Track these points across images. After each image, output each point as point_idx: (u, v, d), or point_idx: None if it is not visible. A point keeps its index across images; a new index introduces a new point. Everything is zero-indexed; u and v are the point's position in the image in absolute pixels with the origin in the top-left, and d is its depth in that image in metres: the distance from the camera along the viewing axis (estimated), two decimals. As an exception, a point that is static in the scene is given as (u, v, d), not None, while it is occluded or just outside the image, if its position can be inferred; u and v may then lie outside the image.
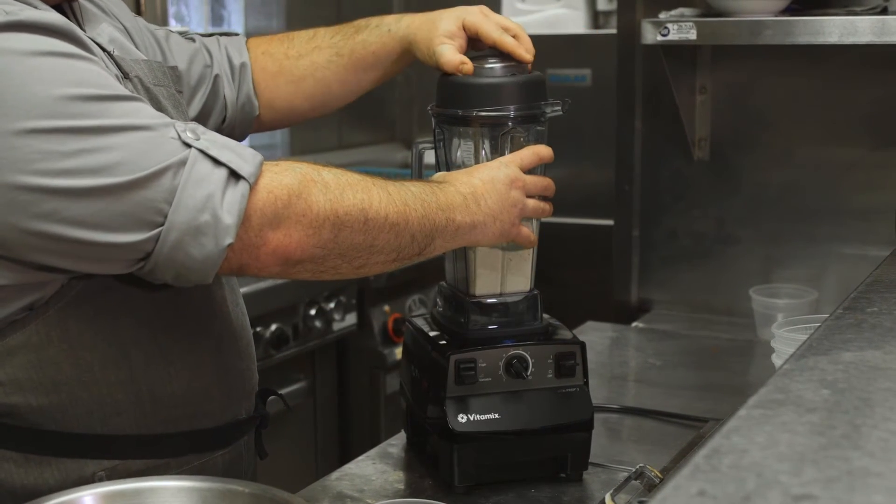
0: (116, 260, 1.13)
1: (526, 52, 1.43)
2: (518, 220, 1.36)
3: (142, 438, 1.25)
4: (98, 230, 1.09)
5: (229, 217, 1.11)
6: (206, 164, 1.12)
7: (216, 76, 1.55)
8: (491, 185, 1.33)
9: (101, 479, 1.22)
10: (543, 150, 1.40)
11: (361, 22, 1.60)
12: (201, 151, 1.12)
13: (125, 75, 1.26)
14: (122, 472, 1.24)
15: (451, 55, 1.43)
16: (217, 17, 3.66)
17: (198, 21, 3.53)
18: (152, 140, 1.11)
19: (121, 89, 1.14)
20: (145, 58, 1.36)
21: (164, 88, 1.35)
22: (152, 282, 1.18)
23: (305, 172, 1.18)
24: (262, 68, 1.60)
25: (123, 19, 1.41)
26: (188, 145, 1.12)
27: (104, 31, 1.30)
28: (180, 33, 1.56)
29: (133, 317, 1.23)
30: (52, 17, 1.13)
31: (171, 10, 3.42)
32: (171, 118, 1.18)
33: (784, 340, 1.56)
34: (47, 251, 1.11)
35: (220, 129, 1.55)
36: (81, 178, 1.07)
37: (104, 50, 1.25)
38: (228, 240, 1.12)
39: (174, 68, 1.43)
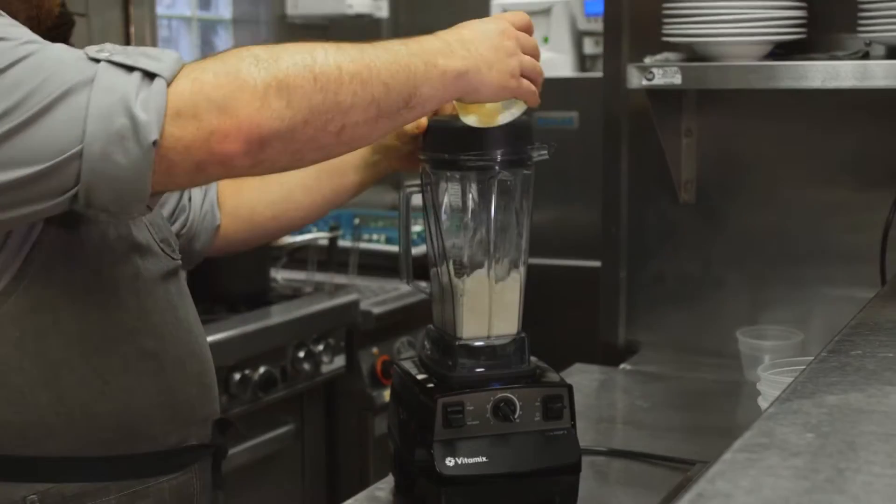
0: (47, 195, 1.10)
1: None
2: (517, 73, 1.28)
3: (76, 461, 1.24)
4: (20, 167, 1.07)
5: (145, 114, 1.07)
6: (116, 72, 1.09)
7: None
8: (481, 33, 1.26)
9: (32, 503, 1.21)
10: (530, 20, 1.35)
11: None
12: (109, 62, 1.09)
13: None
14: (56, 496, 1.22)
15: None
16: (204, 1, 3.68)
17: (185, 3, 3.54)
18: (58, 63, 1.09)
19: (30, 36, 1.12)
20: None
21: None
22: (94, 218, 1.14)
23: (229, 53, 1.12)
24: (229, 180, 1.60)
25: None
26: (96, 61, 1.10)
27: None
28: None
29: (62, 337, 1.22)
30: None
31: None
32: None
33: (769, 383, 1.56)
34: None
35: (179, 235, 1.54)
36: None
37: None
38: (152, 136, 1.07)
39: None
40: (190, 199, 1.58)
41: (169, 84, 1.09)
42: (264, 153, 1.12)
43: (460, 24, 1.29)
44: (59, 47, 1.12)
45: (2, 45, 1.09)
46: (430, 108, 1.24)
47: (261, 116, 1.09)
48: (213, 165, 1.11)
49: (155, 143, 1.07)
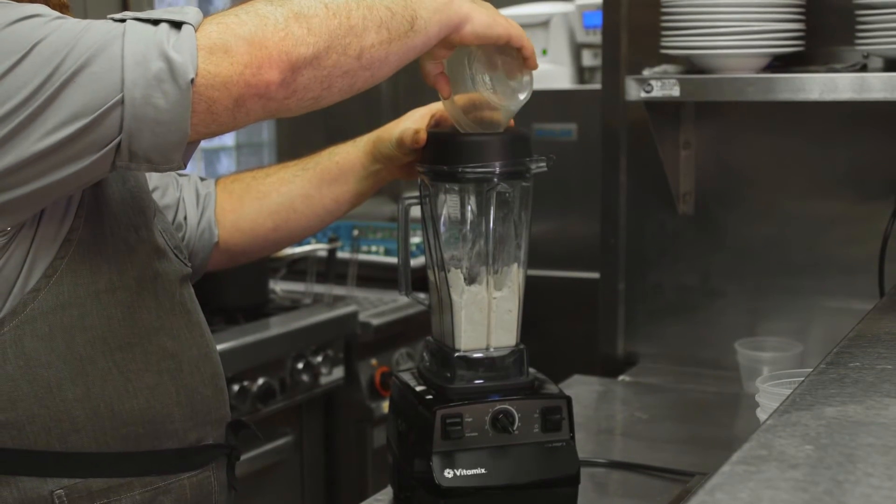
0: (92, 148, 1.12)
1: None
2: (506, 21, 1.37)
3: (101, 456, 1.26)
4: (66, 126, 1.10)
5: (179, 55, 1.10)
6: (144, 26, 1.12)
7: (178, 198, 1.59)
8: None
9: (59, 498, 1.23)
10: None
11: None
12: (136, 19, 1.13)
13: None
14: (82, 491, 1.24)
15: (409, 129, 1.48)
16: (204, 11, 3.67)
17: (183, 5, 3.54)
18: (88, 26, 1.12)
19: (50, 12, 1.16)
20: None
21: None
22: (135, 170, 1.17)
23: (243, 4, 1.18)
24: (229, 193, 1.63)
25: None
26: (122, 20, 1.14)
27: None
28: None
29: (88, 333, 1.24)
30: None
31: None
32: None
33: (768, 395, 1.56)
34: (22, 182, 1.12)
35: None
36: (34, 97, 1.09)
37: None
38: (189, 75, 1.10)
39: None
40: (186, 218, 1.59)
41: (196, 30, 1.13)
42: (296, 81, 1.16)
43: None
44: (85, 20, 1.15)
45: (37, 20, 1.12)
46: (433, 33, 1.28)
47: (287, 44, 1.14)
48: (251, 99, 1.14)
49: (193, 81, 1.11)
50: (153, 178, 1.57)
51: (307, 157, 1.63)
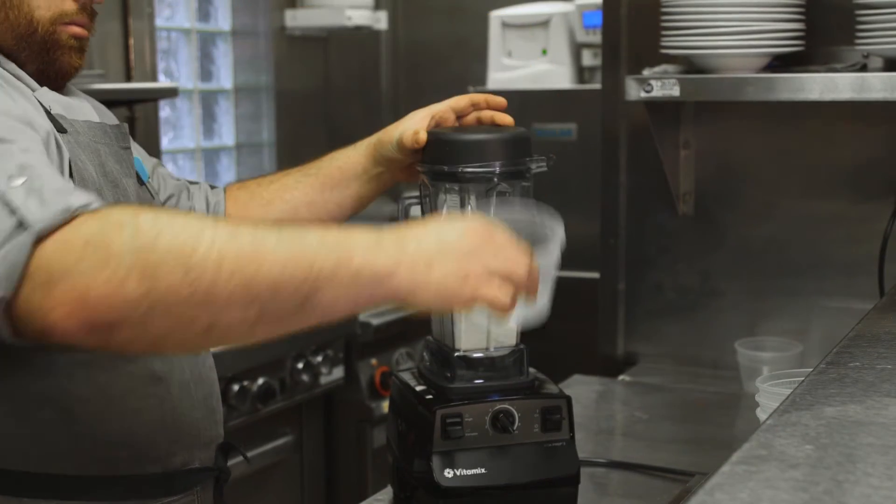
0: None
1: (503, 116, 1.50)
2: (477, 276, 1.07)
3: (81, 479, 1.24)
4: None
5: (3, 267, 0.98)
6: (3, 211, 1.02)
7: (191, 207, 1.59)
8: (433, 229, 1.09)
9: None
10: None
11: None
12: (2, 197, 1.03)
13: (60, 130, 1.25)
14: None
15: (409, 130, 1.47)
16: (203, 13, 3.68)
17: (184, 15, 3.56)
18: None
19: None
20: (96, 120, 1.37)
21: (106, 146, 1.34)
22: None
23: (118, 217, 1.02)
24: (235, 200, 1.62)
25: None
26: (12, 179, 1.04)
27: (61, 100, 1.32)
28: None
29: (69, 356, 1.22)
30: None
31: (161, 65, 3.45)
32: (114, 175, 1.21)
33: (768, 395, 1.56)
34: None
35: None
36: None
37: (44, 107, 1.26)
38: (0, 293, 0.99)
39: (118, 126, 1.41)
40: None
41: (43, 237, 1.00)
42: (113, 337, 1.01)
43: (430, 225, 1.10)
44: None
45: None
46: (340, 311, 1.05)
47: (110, 300, 0.98)
48: (56, 336, 1.01)
49: (3, 299, 1.00)
50: (168, 188, 1.56)
51: (309, 164, 1.62)
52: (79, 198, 1.03)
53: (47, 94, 1.30)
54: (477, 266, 1.07)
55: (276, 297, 1.01)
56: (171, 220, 1.03)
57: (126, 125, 1.43)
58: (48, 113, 1.26)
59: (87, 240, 1.00)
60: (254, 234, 1.03)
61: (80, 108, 1.35)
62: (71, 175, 1.22)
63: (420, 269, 1.04)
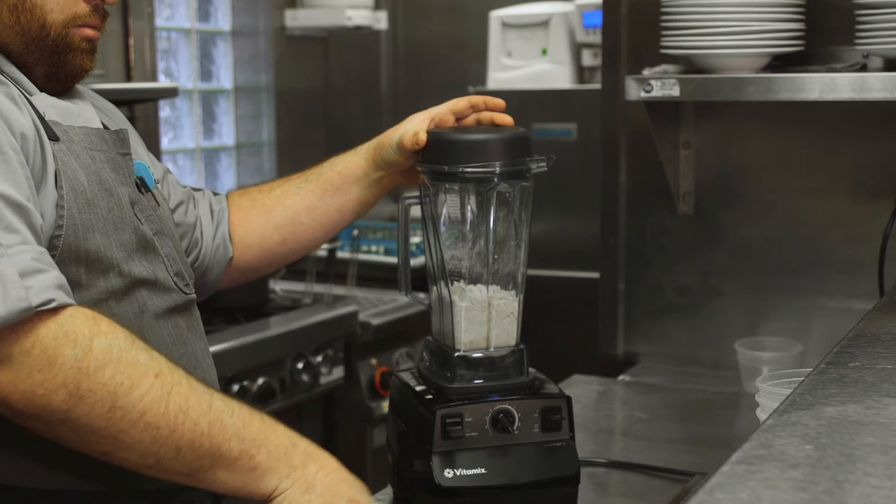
0: None
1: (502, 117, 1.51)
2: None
3: (74, 494, 1.24)
4: None
5: None
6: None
7: (197, 216, 1.59)
8: (335, 468, 1.26)
9: None
10: None
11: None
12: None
13: (53, 138, 1.25)
14: None
15: (409, 132, 1.47)
16: (203, 13, 3.68)
17: (184, 15, 3.55)
18: None
19: None
20: (94, 126, 1.35)
21: (103, 153, 1.32)
22: None
23: (74, 331, 1.11)
24: (237, 207, 1.63)
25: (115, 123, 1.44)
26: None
27: (59, 105, 1.31)
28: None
29: None
30: None
31: (161, 65, 3.45)
32: (109, 183, 1.23)
33: (768, 395, 1.56)
34: None
35: (192, 267, 1.53)
36: None
37: (36, 112, 1.25)
38: None
39: (117, 132, 1.39)
40: (202, 234, 1.58)
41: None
42: (23, 421, 1.13)
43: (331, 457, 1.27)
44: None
45: None
46: (223, 490, 1.20)
47: (35, 401, 1.10)
48: None
49: None
50: (178, 195, 1.56)
51: (309, 169, 1.62)
52: (40, 294, 1.10)
53: (44, 100, 1.29)
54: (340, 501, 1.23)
55: (176, 459, 1.15)
56: (123, 354, 1.12)
57: (126, 131, 1.41)
58: (42, 119, 1.25)
59: (37, 340, 1.09)
60: (186, 399, 1.14)
61: (80, 114, 1.34)
62: (59, 185, 1.21)
63: (298, 489, 1.21)
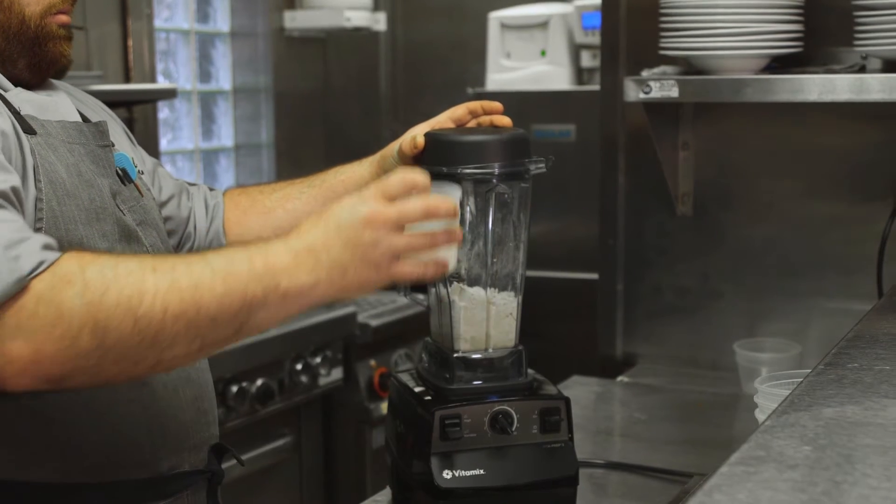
0: None
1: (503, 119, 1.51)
2: (387, 261, 1.15)
3: (65, 487, 1.24)
4: None
5: None
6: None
7: (191, 209, 1.59)
8: (335, 231, 1.15)
9: None
10: (415, 179, 1.17)
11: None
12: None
13: (29, 131, 1.25)
14: None
15: (408, 137, 1.48)
16: (202, 14, 3.68)
17: (183, 16, 3.56)
18: None
19: None
20: (71, 120, 1.36)
21: (81, 146, 1.33)
22: None
23: (65, 273, 1.08)
24: (235, 205, 1.63)
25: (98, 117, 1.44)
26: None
27: (35, 99, 1.32)
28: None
29: None
30: None
31: (159, 66, 3.45)
32: (89, 174, 1.23)
33: (766, 396, 1.57)
34: None
35: None
36: None
37: (11, 108, 1.26)
38: None
39: (96, 124, 1.40)
40: (195, 227, 1.59)
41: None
42: (65, 385, 1.11)
43: (321, 216, 1.17)
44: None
45: None
46: (274, 325, 1.18)
47: (65, 355, 1.07)
48: (7, 387, 1.09)
49: None
50: (169, 188, 1.56)
51: (314, 175, 1.63)
52: (29, 259, 1.08)
53: (20, 95, 1.31)
54: (384, 255, 1.16)
55: (216, 328, 1.12)
56: (116, 270, 1.09)
57: (105, 123, 1.42)
58: (17, 114, 1.26)
59: (39, 297, 1.06)
60: (189, 275, 1.11)
61: (56, 108, 1.35)
62: (38, 178, 1.22)
63: (337, 277, 1.15)
